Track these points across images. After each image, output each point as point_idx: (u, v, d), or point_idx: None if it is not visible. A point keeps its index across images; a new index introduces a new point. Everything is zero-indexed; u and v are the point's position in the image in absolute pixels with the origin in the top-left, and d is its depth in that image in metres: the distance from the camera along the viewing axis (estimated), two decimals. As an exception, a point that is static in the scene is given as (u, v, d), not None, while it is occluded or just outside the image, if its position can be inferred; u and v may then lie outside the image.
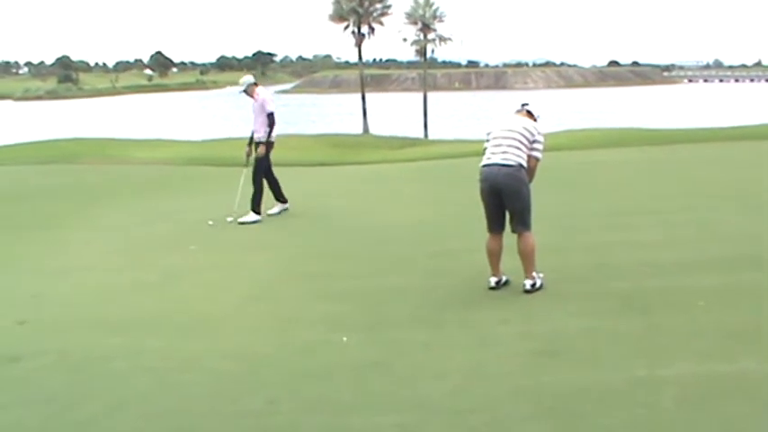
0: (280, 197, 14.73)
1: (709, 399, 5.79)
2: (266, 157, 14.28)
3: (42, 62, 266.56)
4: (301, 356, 7.21)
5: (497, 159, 8.59)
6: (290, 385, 6.50)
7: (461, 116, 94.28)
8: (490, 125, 9.00)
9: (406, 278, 9.80)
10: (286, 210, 14.71)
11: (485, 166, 8.71)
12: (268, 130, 14.14)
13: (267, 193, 14.39)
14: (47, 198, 18.23)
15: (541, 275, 8.78)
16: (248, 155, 14.43)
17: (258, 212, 14.10)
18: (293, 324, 8.18)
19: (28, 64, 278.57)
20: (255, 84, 14.48)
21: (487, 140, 8.83)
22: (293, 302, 8.98)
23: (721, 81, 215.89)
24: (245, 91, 14.36)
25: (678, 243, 10.78)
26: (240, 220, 13.85)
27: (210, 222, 13.61)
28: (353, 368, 6.83)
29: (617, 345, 7.02)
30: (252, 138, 14.36)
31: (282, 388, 6.45)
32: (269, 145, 14.27)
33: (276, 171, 14.49)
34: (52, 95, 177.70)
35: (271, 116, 14.14)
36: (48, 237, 13.45)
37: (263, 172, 14.27)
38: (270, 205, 14.51)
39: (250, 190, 14.20)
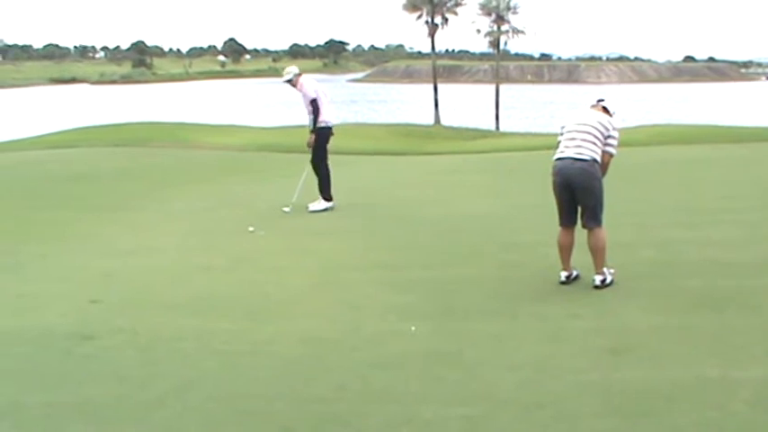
0: (324, 192, 14.19)
1: (784, 403, 5.66)
2: (320, 145, 14.06)
3: (118, 47, 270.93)
4: (370, 344, 7.21)
5: (571, 153, 8.51)
6: (358, 373, 6.51)
7: (533, 109, 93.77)
8: (565, 119, 8.92)
9: (477, 269, 9.77)
10: (331, 208, 14.09)
11: (558, 159, 8.64)
12: (313, 117, 13.95)
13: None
14: (120, 180, 18.55)
15: (612, 271, 8.68)
16: (309, 144, 14.19)
17: (329, 199, 14.04)
18: (362, 312, 8.18)
19: (104, 48, 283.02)
20: (299, 74, 14.21)
21: (561, 134, 8.76)
22: (363, 290, 8.98)
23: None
24: (289, 81, 14.14)
25: (753, 242, 10.59)
26: (310, 207, 13.85)
27: (286, 209, 13.66)
28: (422, 358, 6.82)
29: (688, 343, 6.91)
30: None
31: (351, 375, 6.47)
32: (320, 132, 13.96)
33: (349, 160, 14.45)
34: (127, 80, 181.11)
35: (314, 102, 13.88)
36: (120, 218, 13.68)
37: (320, 159, 14.06)
38: (316, 197, 14.14)
39: (312, 180, 14.17)
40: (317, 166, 14.08)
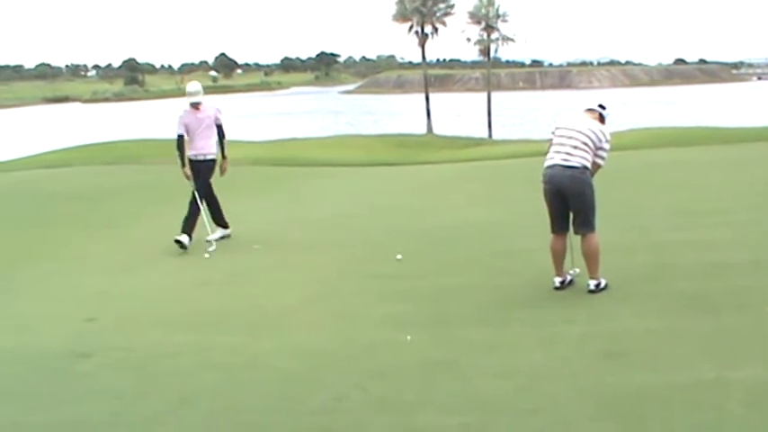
0: (220, 221, 13.10)
1: (780, 403, 5.67)
2: (211, 174, 12.91)
3: (110, 65, 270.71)
4: (366, 355, 7.25)
5: (559, 160, 8.51)
6: (355, 383, 6.54)
7: (525, 116, 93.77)
8: (558, 120, 8.94)
9: (471, 277, 9.78)
10: (228, 236, 13.03)
11: (548, 167, 8.64)
12: (224, 143, 12.90)
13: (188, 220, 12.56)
14: (114, 198, 18.51)
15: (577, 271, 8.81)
16: (190, 178, 12.81)
17: (226, 226, 13.14)
18: (358, 322, 8.22)
19: (96, 67, 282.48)
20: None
21: (553, 133, 8.76)
22: (358, 301, 9.02)
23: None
24: (194, 102, 12.59)
25: (748, 243, 10.58)
26: (208, 238, 12.57)
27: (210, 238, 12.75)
28: (418, 367, 6.85)
29: (683, 346, 6.92)
30: (190, 158, 12.74)
31: (348, 386, 6.49)
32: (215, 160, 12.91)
33: (342, 171, 14.34)
34: (119, 97, 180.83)
35: (221, 128, 12.80)
36: (115, 235, 13.69)
37: (209, 188, 12.87)
38: (210, 230, 12.85)
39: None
40: (205, 197, 12.79)
